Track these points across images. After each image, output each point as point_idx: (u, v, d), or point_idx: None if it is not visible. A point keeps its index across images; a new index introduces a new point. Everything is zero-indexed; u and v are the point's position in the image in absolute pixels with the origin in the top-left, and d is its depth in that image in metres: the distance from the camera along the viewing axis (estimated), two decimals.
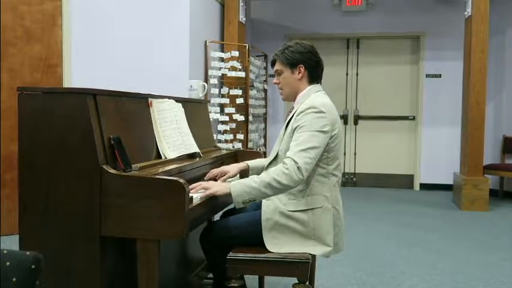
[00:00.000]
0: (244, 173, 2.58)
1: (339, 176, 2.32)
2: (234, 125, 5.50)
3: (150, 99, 2.41)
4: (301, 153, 2.11)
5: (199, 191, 2.18)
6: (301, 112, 2.21)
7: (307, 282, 2.23)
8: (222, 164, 2.85)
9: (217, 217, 2.80)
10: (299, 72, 2.34)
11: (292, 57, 2.33)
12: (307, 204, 2.21)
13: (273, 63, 2.43)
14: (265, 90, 6.92)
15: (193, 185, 2.20)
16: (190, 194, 1.95)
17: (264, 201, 2.25)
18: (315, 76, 2.39)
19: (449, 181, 6.84)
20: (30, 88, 2.05)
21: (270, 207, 2.24)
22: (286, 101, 2.49)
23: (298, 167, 2.08)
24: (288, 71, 2.36)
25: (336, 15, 7.40)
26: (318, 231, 2.21)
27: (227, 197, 2.20)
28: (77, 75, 4.60)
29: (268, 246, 2.21)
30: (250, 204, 2.56)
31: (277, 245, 2.20)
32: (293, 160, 2.10)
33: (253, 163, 2.59)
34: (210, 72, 5.34)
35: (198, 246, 2.49)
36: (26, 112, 1.99)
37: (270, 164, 2.33)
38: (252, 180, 2.13)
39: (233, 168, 2.55)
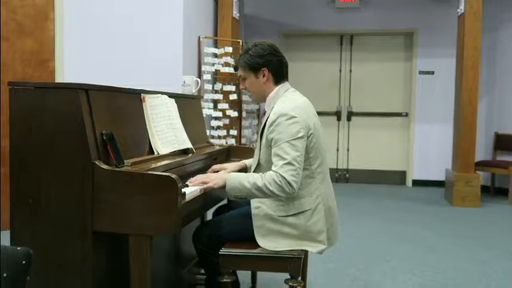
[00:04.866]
0: (243, 171, 2.60)
1: (325, 170, 2.31)
2: (227, 121, 5.50)
3: (142, 95, 2.40)
4: (285, 167, 2.08)
5: (198, 185, 2.20)
6: (273, 123, 2.17)
7: (299, 278, 2.24)
8: (215, 160, 2.86)
9: (210, 214, 2.80)
10: (263, 76, 2.30)
11: (253, 62, 2.28)
12: (296, 208, 2.21)
13: (236, 69, 2.39)
14: None
15: (192, 179, 2.24)
16: (183, 189, 1.95)
17: (252, 207, 2.25)
18: (280, 76, 2.33)
19: (441, 177, 6.88)
20: (21, 83, 2.04)
21: (259, 214, 2.23)
22: (258, 102, 2.48)
23: (288, 182, 2.07)
24: (252, 76, 2.31)
25: (329, 12, 7.41)
26: (311, 233, 2.22)
27: (222, 191, 2.24)
28: (69, 70, 4.57)
29: (264, 246, 2.22)
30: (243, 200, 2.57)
31: (272, 247, 2.21)
32: (280, 175, 2.08)
33: (250, 162, 2.60)
34: (203, 68, 5.33)
35: (190, 241, 2.49)
36: (17, 107, 1.98)
37: (254, 172, 2.32)
38: (246, 180, 2.14)
39: (232, 165, 2.59)
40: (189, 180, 2.25)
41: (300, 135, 2.14)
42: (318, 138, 2.24)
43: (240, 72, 2.36)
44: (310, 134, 2.20)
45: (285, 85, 2.35)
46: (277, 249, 2.20)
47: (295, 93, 2.35)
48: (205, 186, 2.19)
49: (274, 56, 2.30)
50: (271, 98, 2.31)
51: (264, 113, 2.36)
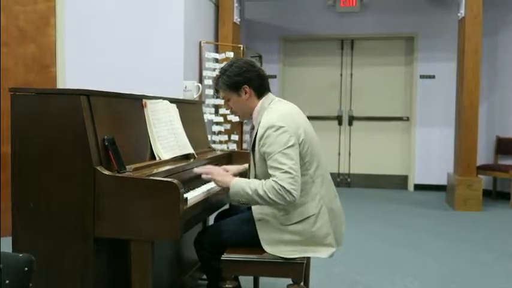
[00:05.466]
0: (243, 175, 2.60)
1: (324, 172, 2.31)
2: (228, 126, 5.50)
3: (144, 100, 2.40)
4: (283, 176, 2.08)
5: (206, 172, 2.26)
6: (262, 136, 2.17)
7: (302, 283, 2.24)
8: (216, 165, 2.85)
9: (211, 219, 2.80)
10: (245, 93, 2.29)
11: (232, 82, 2.28)
12: (300, 215, 2.21)
13: (217, 92, 2.41)
14: None
15: (204, 166, 2.31)
16: (185, 195, 1.95)
17: (256, 219, 2.24)
18: (261, 89, 2.33)
19: (443, 181, 6.86)
20: (23, 89, 2.05)
21: (264, 225, 2.23)
22: (245, 120, 2.49)
23: (287, 191, 2.07)
24: (234, 95, 2.31)
25: (330, 16, 7.42)
26: (318, 237, 2.22)
27: (223, 195, 2.27)
28: (71, 75, 4.58)
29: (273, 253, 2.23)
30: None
31: (282, 255, 2.21)
32: (280, 185, 2.07)
33: None
34: (204, 73, 5.33)
35: (192, 247, 2.49)
36: (19, 113, 1.98)
37: None
38: (248, 186, 2.14)
39: (233, 168, 2.61)
40: (198, 168, 2.28)
41: (290, 143, 2.13)
42: (310, 143, 2.24)
43: (222, 94, 2.37)
44: (302, 141, 2.19)
45: (268, 97, 2.34)
46: (286, 257, 2.20)
47: (280, 102, 2.34)
48: (209, 176, 2.25)
49: (252, 72, 2.29)
50: (257, 112, 2.31)
51: (253, 128, 2.36)
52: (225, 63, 5.59)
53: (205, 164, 2.73)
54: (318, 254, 2.24)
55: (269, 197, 2.09)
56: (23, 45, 4.40)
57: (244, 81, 2.28)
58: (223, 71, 2.32)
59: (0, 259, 1.18)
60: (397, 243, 4.40)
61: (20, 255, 1.20)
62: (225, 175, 2.29)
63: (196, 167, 2.62)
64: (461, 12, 5.96)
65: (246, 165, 2.64)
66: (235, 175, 2.58)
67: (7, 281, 1.15)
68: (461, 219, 5.40)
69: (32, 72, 4.44)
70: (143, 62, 4.73)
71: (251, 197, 2.12)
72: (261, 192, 2.10)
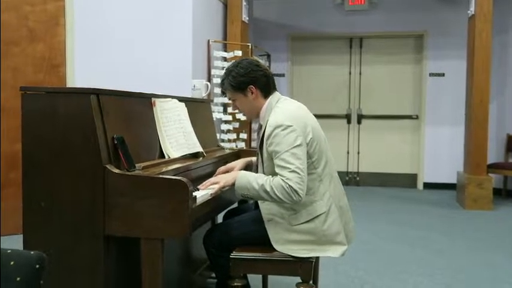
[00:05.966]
0: (249, 168, 2.60)
1: (332, 170, 2.30)
2: (237, 125, 5.50)
3: (153, 99, 2.41)
4: (290, 175, 2.08)
5: (210, 187, 2.21)
6: (270, 135, 2.16)
7: (311, 282, 2.23)
8: (225, 163, 2.86)
9: (220, 218, 2.80)
10: (252, 93, 2.29)
11: (237, 82, 2.28)
12: (310, 214, 2.21)
13: (224, 94, 2.40)
14: None
15: (204, 183, 2.25)
16: (194, 193, 1.96)
17: (265, 220, 2.24)
18: (267, 89, 2.32)
19: (452, 180, 6.82)
20: (33, 88, 2.06)
21: (275, 226, 2.23)
22: (252, 120, 2.48)
23: (294, 190, 2.07)
24: (240, 96, 2.31)
25: (338, 15, 7.40)
26: (329, 236, 2.22)
27: (232, 193, 2.25)
28: (80, 75, 4.61)
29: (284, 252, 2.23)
30: (252, 204, 2.58)
31: (294, 254, 2.21)
32: (287, 184, 2.07)
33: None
34: (213, 71, 5.34)
35: (201, 245, 2.49)
36: (29, 112, 2.00)
37: None
38: (256, 181, 2.14)
39: (239, 163, 2.59)
40: (200, 185, 2.25)
41: (298, 143, 2.13)
42: (318, 141, 2.24)
43: (228, 95, 2.37)
44: (310, 139, 2.19)
45: (274, 96, 2.33)
46: (298, 256, 2.20)
47: (286, 101, 2.33)
48: (216, 186, 2.20)
49: (257, 71, 2.29)
50: (264, 111, 2.31)
51: (260, 127, 2.35)
52: (233, 61, 5.59)
53: (213, 163, 2.74)
54: (330, 253, 2.23)
55: (275, 194, 2.09)
56: (32, 45, 4.43)
57: (249, 81, 2.27)
58: (228, 72, 2.32)
59: (0, 258, 1.19)
60: (406, 242, 4.38)
61: (32, 252, 1.21)
62: (229, 175, 2.28)
63: (205, 165, 2.63)
64: (471, 9, 5.91)
65: (252, 158, 2.63)
66: (241, 169, 2.58)
67: (18, 278, 1.16)
68: (471, 218, 5.37)
69: (41, 72, 4.47)
70: (152, 61, 4.75)
71: (257, 192, 2.12)
72: (267, 188, 2.10)
